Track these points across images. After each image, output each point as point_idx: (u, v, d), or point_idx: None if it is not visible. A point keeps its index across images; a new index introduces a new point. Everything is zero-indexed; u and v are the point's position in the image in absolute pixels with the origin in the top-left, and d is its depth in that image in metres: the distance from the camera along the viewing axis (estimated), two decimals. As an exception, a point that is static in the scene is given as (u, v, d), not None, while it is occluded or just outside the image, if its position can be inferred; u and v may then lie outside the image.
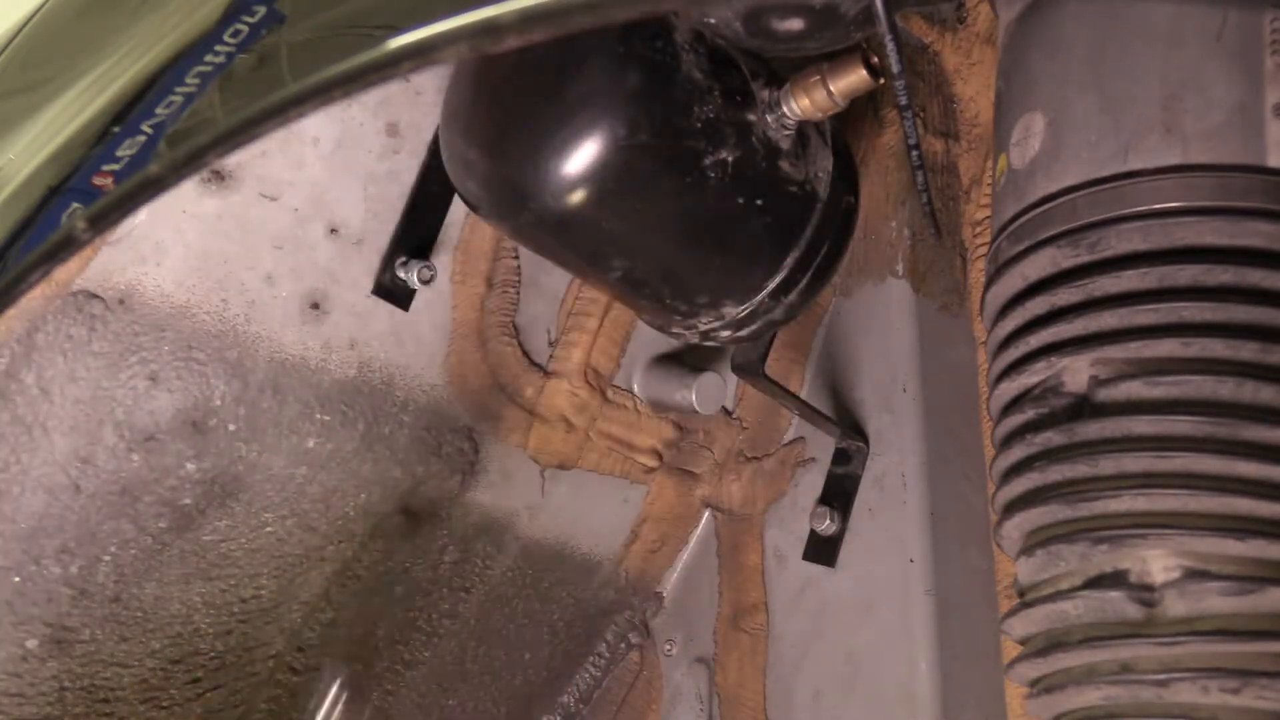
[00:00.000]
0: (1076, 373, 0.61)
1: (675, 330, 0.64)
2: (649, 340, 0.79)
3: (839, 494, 0.81)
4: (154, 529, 0.64)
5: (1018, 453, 0.63)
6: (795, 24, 0.54)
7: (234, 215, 0.61)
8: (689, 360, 0.81)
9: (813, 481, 0.82)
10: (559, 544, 0.81)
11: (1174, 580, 0.57)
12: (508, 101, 0.54)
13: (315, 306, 0.64)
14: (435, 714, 0.82)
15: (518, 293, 0.73)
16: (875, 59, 0.55)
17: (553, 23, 0.32)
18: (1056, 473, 0.61)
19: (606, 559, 0.85)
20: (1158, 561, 0.57)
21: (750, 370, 0.69)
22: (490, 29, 0.32)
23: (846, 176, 0.62)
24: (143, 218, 0.59)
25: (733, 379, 0.83)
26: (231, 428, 0.63)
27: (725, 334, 0.63)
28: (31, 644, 0.63)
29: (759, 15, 0.54)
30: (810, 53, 0.57)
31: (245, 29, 0.42)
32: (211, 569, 0.67)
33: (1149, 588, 0.57)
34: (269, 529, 0.67)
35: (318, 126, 0.63)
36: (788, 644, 0.82)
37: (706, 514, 0.88)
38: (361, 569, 0.71)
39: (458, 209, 0.68)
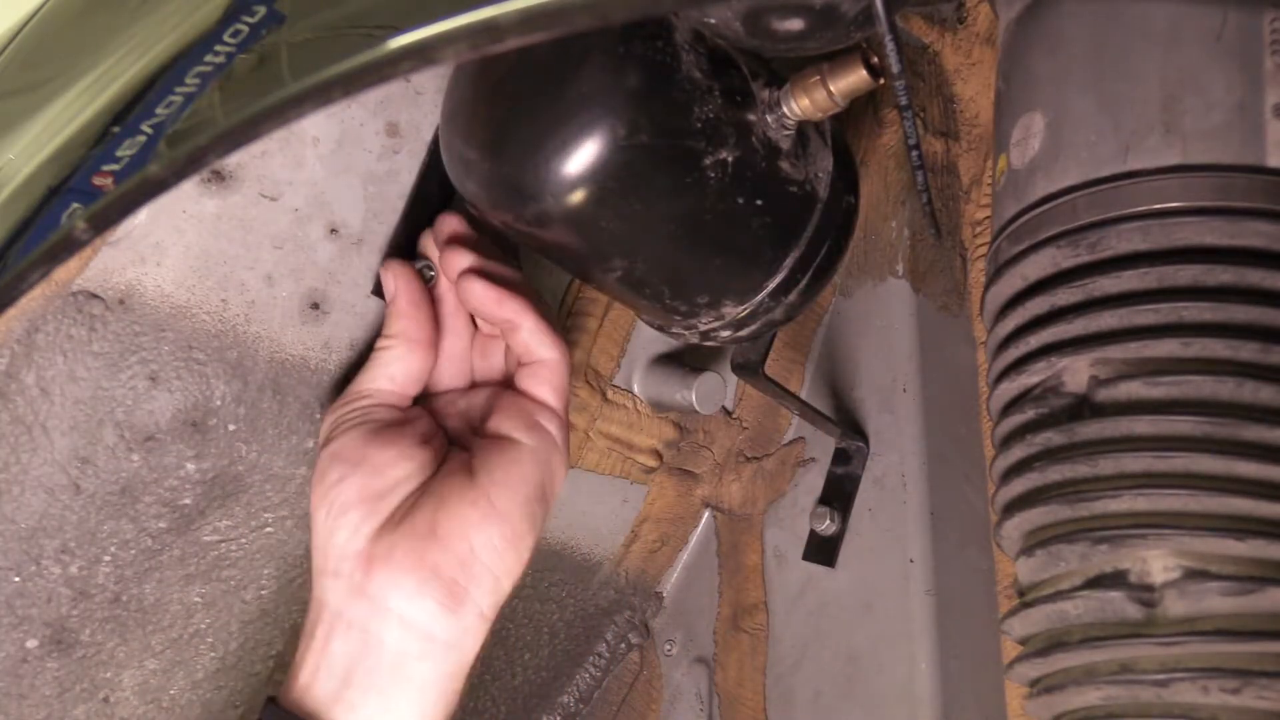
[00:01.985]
0: (1076, 373, 0.61)
1: (675, 330, 0.64)
2: (649, 340, 0.79)
3: (839, 494, 0.81)
4: (154, 529, 0.64)
5: (1018, 453, 0.63)
6: (795, 24, 0.54)
7: (234, 215, 0.61)
8: (689, 360, 0.81)
9: (813, 481, 0.82)
10: (559, 544, 0.81)
11: (1174, 580, 0.57)
12: (507, 101, 0.54)
13: (315, 306, 0.64)
14: (435, 714, 0.82)
15: (518, 293, 0.73)
16: (875, 59, 0.55)
17: (553, 23, 0.32)
18: (1056, 473, 0.61)
19: (606, 559, 0.85)
20: (1158, 561, 0.57)
21: (750, 370, 0.69)
22: (490, 29, 0.32)
23: (846, 176, 0.62)
24: (143, 218, 0.59)
25: (733, 379, 0.83)
26: (231, 428, 0.63)
27: (725, 334, 0.63)
28: (31, 644, 0.63)
29: (759, 15, 0.54)
30: (810, 53, 0.57)
31: (245, 29, 0.42)
32: (211, 569, 0.67)
33: (1149, 588, 0.57)
34: (269, 529, 0.67)
35: (318, 126, 0.63)
36: (788, 644, 0.82)
37: (706, 514, 0.88)
38: (361, 569, 0.71)
39: (458, 209, 0.68)
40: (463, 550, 0.57)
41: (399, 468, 0.59)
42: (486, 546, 0.57)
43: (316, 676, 0.57)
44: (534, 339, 0.61)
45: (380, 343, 0.63)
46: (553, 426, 0.62)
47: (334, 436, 0.60)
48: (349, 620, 0.56)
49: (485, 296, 0.60)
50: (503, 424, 0.61)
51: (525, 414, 0.61)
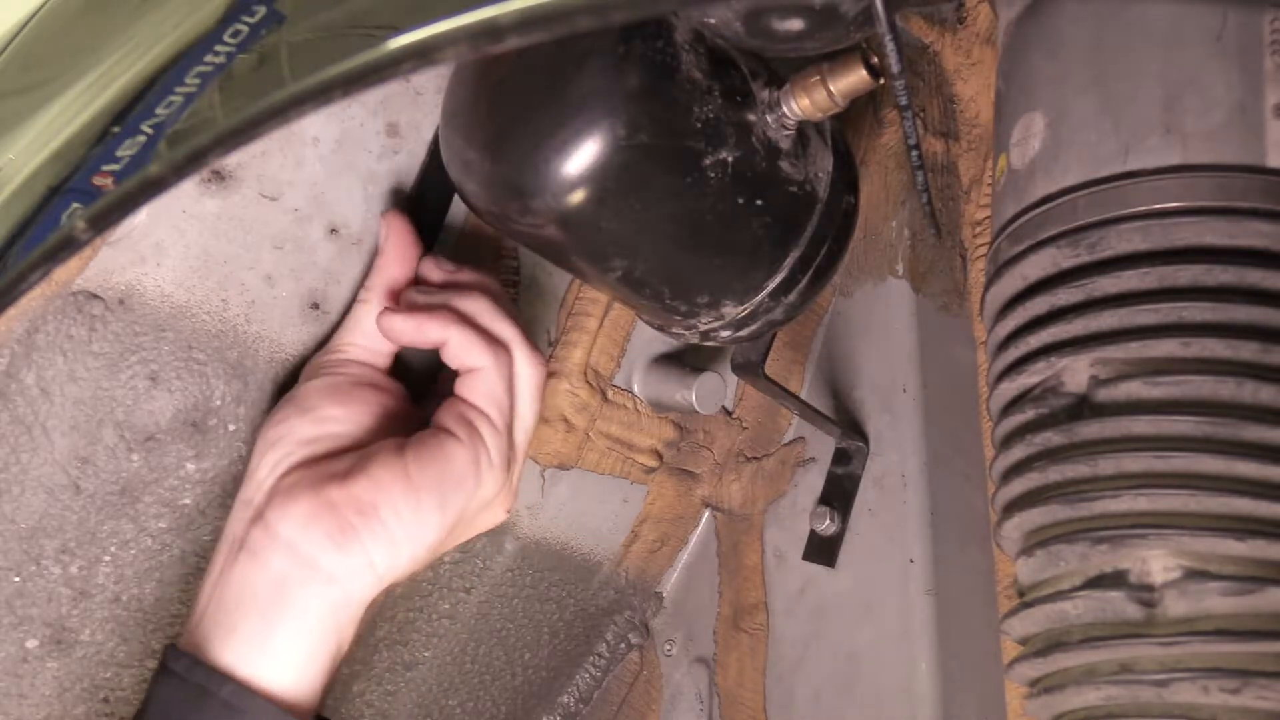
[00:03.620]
0: (1076, 373, 0.61)
1: (675, 330, 0.64)
2: (649, 340, 0.79)
3: (839, 494, 0.81)
4: (154, 529, 0.64)
5: (1018, 453, 0.63)
6: (795, 24, 0.54)
7: (234, 215, 0.61)
8: (689, 360, 0.81)
9: (813, 481, 0.82)
10: (559, 544, 0.81)
11: (1174, 580, 0.57)
12: (508, 101, 0.54)
13: (315, 306, 0.64)
14: (435, 714, 0.82)
15: (518, 293, 0.73)
16: (875, 59, 0.55)
17: (553, 23, 0.32)
18: (1056, 473, 0.61)
19: (606, 559, 0.85)
20: (1158, 561, 0.57)
21: (750, 370, 0.69)
22: (490, 29, 0.32)
23: (846, 176, 0.62)
24: (143, 218, 0.59)
25: (733, 379, 0.83)
26: (231, 428, 0.63)
27: (725, 334, 0.63)
28: (31, 644, 0.63)
29: (759, 15, 0.54)
30: (810, 53, 0.57)
31: (245, 29, 0.42)
32: (211, 569, 0.67)
33: (1149, 588, 0.57)
34: (269, 529, 0.67)
35: (318, 126, 0.63)
36: (788, 644, 0.82)
37: (706, 514, 0.88)
38: (361, 569, 0.71)
39: (458, 209, 0.68)
40: (365, 500, 0.58)
41: (340, 423, 0.60)
42: (388, 506, 0.58)
43: (209, 604, 0.58)
44: (462, 352, 0.62)
45: (360, 294, 0.64)
46: (485, 430, 0.62)
47: (300, 383, 0.62)
48: (244, 545, 0.58)
49: (404, 329, 0.61)
50: (443, 417, 0.62)
51: (462, 414, 0.62)
